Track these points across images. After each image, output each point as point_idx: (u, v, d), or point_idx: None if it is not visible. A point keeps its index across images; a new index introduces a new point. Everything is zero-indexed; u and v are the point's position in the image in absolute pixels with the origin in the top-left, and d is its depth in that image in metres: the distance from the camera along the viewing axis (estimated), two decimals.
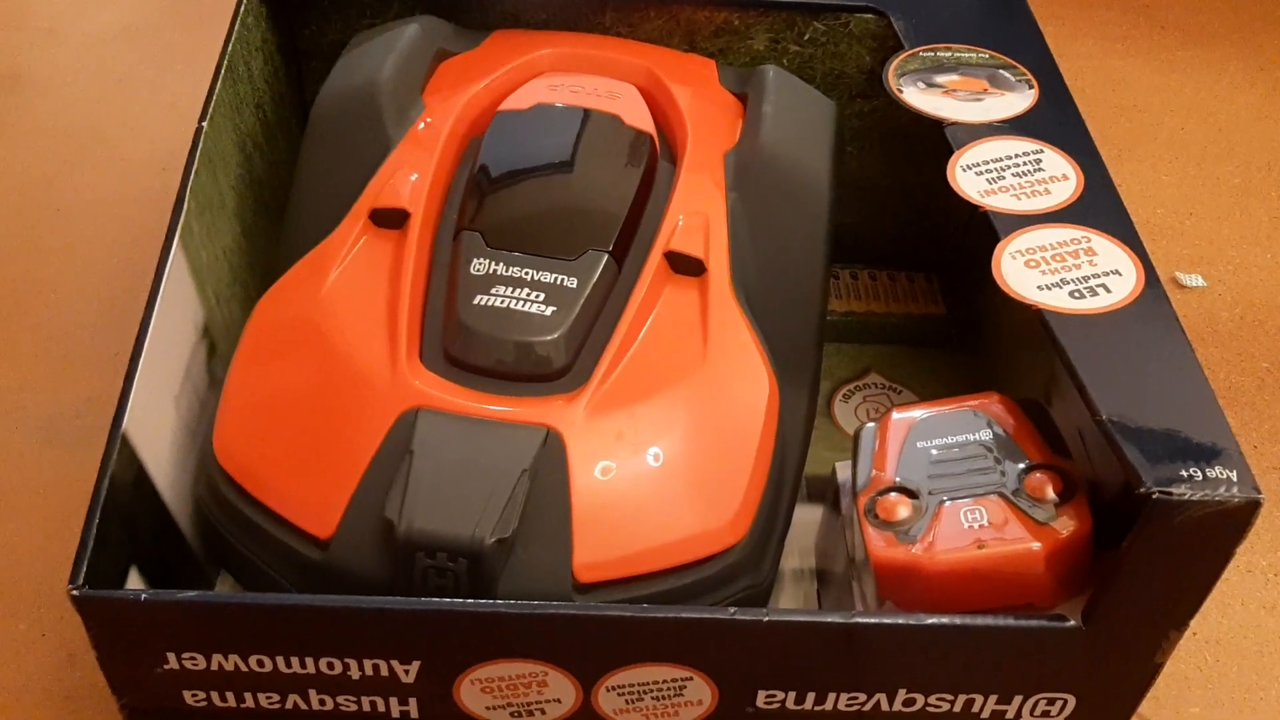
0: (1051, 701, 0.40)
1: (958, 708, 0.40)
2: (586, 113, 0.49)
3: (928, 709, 0.40)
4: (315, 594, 0.38)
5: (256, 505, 0.41)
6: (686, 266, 0.45)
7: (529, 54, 0.52)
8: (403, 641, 0.38)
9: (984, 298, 0.58)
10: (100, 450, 0.39)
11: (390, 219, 0.45)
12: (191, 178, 0.45)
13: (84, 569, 0.36)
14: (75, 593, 0.36)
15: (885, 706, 0.40)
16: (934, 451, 0.42)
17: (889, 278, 0.60)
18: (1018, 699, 0.40)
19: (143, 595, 0.37)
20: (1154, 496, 0.34)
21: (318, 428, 0.41)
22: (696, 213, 0.46)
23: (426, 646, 0.38)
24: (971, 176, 0.45)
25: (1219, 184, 0.71)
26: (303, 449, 0.41)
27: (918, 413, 0.43)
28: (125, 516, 0.39)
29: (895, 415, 0.43)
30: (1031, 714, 0.41)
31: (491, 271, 0.43)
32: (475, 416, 0.41)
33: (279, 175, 0.56)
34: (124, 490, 0.39)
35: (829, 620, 0.37)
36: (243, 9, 0.52)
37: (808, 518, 0.48)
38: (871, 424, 0.44)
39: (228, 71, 0.49)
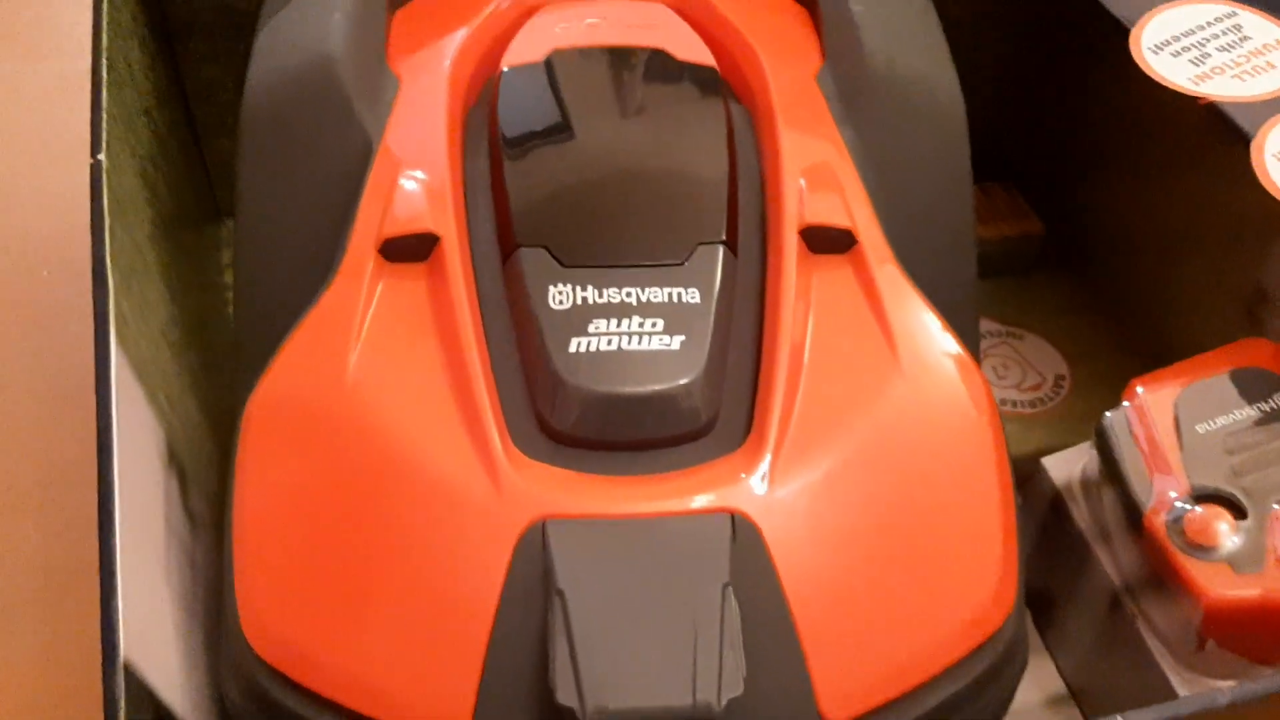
0: None
1: None
2: (624, 52, 0.36)
3: None
4: None
5: (336, 711, 0.28)
6: (832, 242, 0.33)
7: None
8: None
9: (1093, 207, 0.47)
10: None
11: (411, 249, 0.32)
12: (107, 238, 0.31)
13: None
14: None
15: None
16: (1224, 435, 0.31)
17: None
18: None
19: None
20: None
21: (399, 580, 0.28)
22: (819, 166, 0.34)
23: None
24: (1168, 59, 0.34)
25: None
26: (385, 617, 0.28)
27: (1174, 384, 0.33)
28: None
29: (1142, 391, 0.33)
30: None
31: (580, 300, 0.30)
32: (625, 518, 0.28)
33: (181, 202, 0.41)
34: None
35: None
36: None
37: None
38: (1115, 410, 0.33)
39: (110, 73, 0.34)
